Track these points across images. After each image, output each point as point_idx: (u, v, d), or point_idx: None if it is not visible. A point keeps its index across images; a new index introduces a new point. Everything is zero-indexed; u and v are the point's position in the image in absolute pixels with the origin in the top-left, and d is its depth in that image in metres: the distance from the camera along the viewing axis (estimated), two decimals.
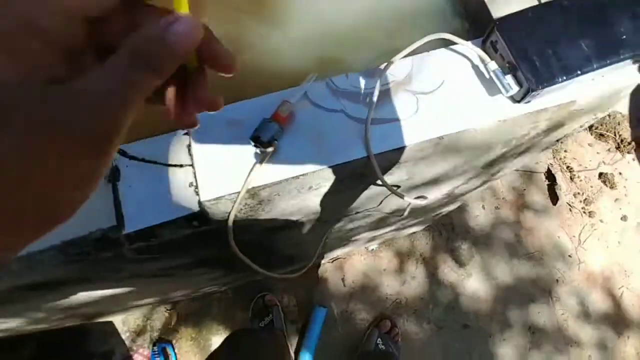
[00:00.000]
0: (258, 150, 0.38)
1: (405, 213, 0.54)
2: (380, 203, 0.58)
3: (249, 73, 0.46)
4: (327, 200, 0.47)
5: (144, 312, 1.48)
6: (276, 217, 0.49)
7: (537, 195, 1.56)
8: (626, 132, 1.59)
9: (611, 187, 1.54)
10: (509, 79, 0.39)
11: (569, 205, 1.55)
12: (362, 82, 0.42)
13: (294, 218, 0.52)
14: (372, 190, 0.49)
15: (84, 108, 0.15)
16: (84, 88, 0.15)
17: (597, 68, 0.38)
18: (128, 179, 0.44)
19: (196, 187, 0.42)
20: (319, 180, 0.41)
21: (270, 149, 0.37)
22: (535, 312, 1.45)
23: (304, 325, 1.44)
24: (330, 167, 0.39)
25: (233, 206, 0.39)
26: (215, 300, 1.49)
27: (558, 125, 0.46)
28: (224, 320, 1.48)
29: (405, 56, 0.40)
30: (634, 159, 1.58)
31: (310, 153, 0.39)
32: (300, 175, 0.39)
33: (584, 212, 1.53)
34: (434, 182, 0.54)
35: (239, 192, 0.37)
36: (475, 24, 0.48)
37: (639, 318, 1.45)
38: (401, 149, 0.40)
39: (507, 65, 0.39)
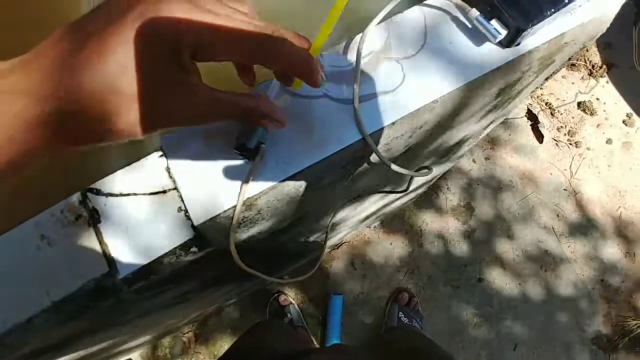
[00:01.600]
0: (243, 161, 0.35)
1: (411, 187, 0.51)
2: (383, 179, 0.56)
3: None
4: (331, 189, 0.44)
5: (160, 341, 1.45)
6: (280, 220, 0.46)
7: (523, 138, 1.57)
8: (596, 58, 1.60)
9: (591, 114, 1.56)
10: (494, 23, 0.36)
11: (555, 140, 1.56)
12: (339, 59, 0.38)
13: (299, 216, 0.49)
14: (374, 168, 0.47)
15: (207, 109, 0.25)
16: (209, 95, 0.25)
17: None
18: (109, 218, 0.40)
19: (186, 211, 0.38)
20: (317, 173, 0.37)
21: (258, 157, 0.33)
22: (544, 252, 1.47)
23: (324, 316, 1.43)
24: (326, 157, 0.36)
25: (231, 224, 0.35)
26: (230, 312, 1.46)
27: (549, 62, 0.44)
28: (243, 330, 1.46)
29: (379, 22, 0.37)
30: (607, 82, 1.59)
31: (301, 147, 0.36)
32: (297, 173, 0.35)
33: (571, 144, 1.55)
34: (435, 149, 0.52)
35: (234, 207, 0.34)
36: None
37: None
38: (396, 122, 0.37)
39: (488, 9, 0.36)
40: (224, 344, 1.44)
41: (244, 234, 0.45)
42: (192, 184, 0.37)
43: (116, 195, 0.40)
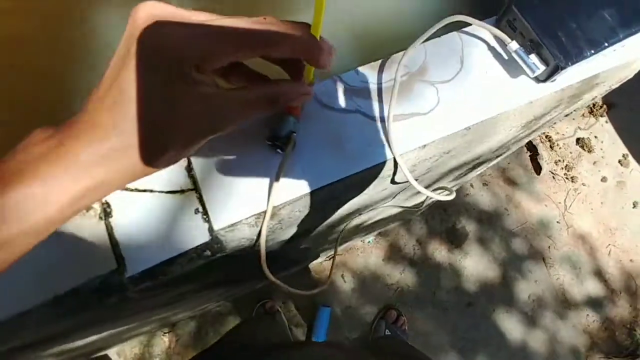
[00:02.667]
0: (269, 164, 0.34)
1: (424, 206, 0.51)
2: (394, 197, 0.55)
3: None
4: (349, 205, 0.44)
5: (140, 339, 1.41)
6: (294, 232, 0.45)
7: (521, 168, 1.59)
8: (584, 106, 1.64)
9: (589, 151, 1.59)
10: (533, 58, 0.36)
11: (552, 173, 1.58)
12: (374, 76, 0.38)
13: (312, 226, 0.48)
14: (391, 187, 0.46)
15: (232, 108, 0.25)
16: (233, 98, 0.25)
17: (623, 38, 0.35)
18: (122, 214, 0.38)
19: (204, 213, 0.37)
20: (342, 188, 0.37)
21: (290, 146, 0.32)
22: (533, 281, 1.49)
23: (310, 327, 1.41)
24: (355, 174, 0.35)
25: (260, 231, 0.34)
26: (215, 316, 1.43)
27: (576, 100, 0.44)
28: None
29: (421, 43, 0.37)
30: (606, 122, 1.63)
31: (330, 160, 0.35)
32: (325, 186, 0.35)
33: (567, 178, 1.57)
34: (449, 171, 0.52)
35: (264, 213, 0.33)
36: (476, 5, 0.44)
37: (628, 273, 1.51)
38: (427, 146, 0.36)
39: (528, 43, 0.37)
40: (204, 347, 1.41)
41: (252, 241, 0.44)
42: (215, 186, 0.36)
43: (131, 190, 0.39)
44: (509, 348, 1.42)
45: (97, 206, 0.37)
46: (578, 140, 1.61)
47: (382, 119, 0.37)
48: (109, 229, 0.38)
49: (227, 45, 0.23)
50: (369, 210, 0.53)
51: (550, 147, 1.60)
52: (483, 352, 1.42)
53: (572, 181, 1.57)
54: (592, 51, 0.35)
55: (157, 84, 0.22)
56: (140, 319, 0.70)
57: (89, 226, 0.37)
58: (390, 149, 0.36)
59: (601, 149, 1.61)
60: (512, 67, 0.38)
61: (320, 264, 1.48)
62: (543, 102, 0.39)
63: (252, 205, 0.34)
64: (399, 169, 0.38)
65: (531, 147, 1.59)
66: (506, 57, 0.39)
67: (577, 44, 0.35)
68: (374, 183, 0.39)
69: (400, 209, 0.55)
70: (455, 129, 0.36)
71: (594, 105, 1.62)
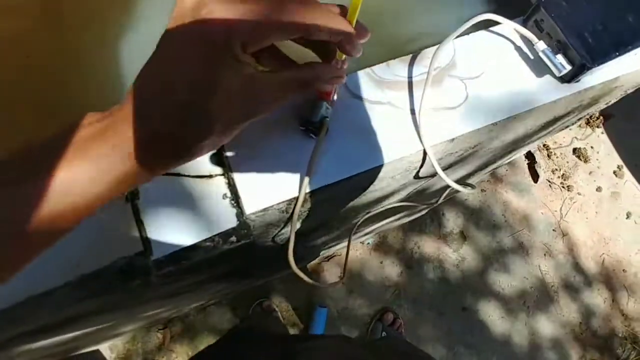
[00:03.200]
0: (302, 149, 0.34)
1: (441, 200, 0.52)
2: (410, 193, 0.56)
3: None
4: (369, 196, 0.44)
5: (133, 334, 1.39)
6: (316, 221, 0.45)
7: (519, 175, 1.62)
8: (598, 110, 1.68)
9: (585, 161, 1.62)
10: (559, 58, 0.37)
11: (549, 181, 1.61)
12: (405, 69, 0.39)
13: (329, 220, 0.49)
14: (412, 181, 0.47)
15: (269, 91, 0.26)
16: (269, 82, 0.26)
17: None
18: (149, 197, 0.38)
19: (232, 198, 0.37)
20: (371, 178, 0.37)
21: (323, 132, 0.33)
22: (528, 287, 1.50)
23: (306, 327, 1.41)
24: (386, 163, 0.36)
25: (292, 217, 0.35)
26: (210, 313, 1.42)
27: (594, 102, 0.46)
28: (221, 333, 1.41)
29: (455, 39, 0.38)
30: (602, 133, 1.67)
31: (362, 150, 0.36)
32: (356, 175, 0.35)
33: (563, 187, 1.60)
34: (467, 169, 0.53)
35: (295, 199, 0.33)
36: (505, 5, 0.46)
37: (620, 282, 1.54)
38: (456, 139, 0.37)
39: (555, 44, 0.38)
40: (199, 345, 1.39)
41: (274, 231, 0.44)
42: (246, 171, 0.36)
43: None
44: (502, 353, 1.44)
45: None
46: (575, 150, 1.64)
47: (413, 112, 0.37)
48: (136, 211, 0.38)
49: (273, 26, 0.24)
50: (386, 205, 0.54)
51: (548, 155, 1.63)
52: (477, 357, 1.43)
53: (568, 190, 1.60)
54: (617, 53, 0.36)
55: (202, 64, 0.22)
56: (148, 309, 0.70)
57: (116, 207, 0.37)
58: (421, 141, 0.36)
59: (597, 160, 1.64)
60: (537, 66, 0.39)
61: (318, 264, 1.48)
62: (566, 101, 0.40)
63: (284, 190, 0.35)
64: (427, 160, 0.38)
65: (529, 155, 1.62)
66: (532, 57, 0.40)
67: (602, 45, 0.36)
68: (400, 175, 0.40)
69: (415, 204, 0.56)
70: (482, 123, 0.37)
71: (590, 116, 1.66)
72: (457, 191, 0.49)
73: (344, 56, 0.29)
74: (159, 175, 0.27)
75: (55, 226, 0.24)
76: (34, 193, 0.21)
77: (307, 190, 0.34)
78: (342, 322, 1.43)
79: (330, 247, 1.11)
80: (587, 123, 1.66)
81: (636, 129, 1.67)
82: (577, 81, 0.39)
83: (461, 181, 0.51)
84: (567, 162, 1.63)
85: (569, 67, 0.37)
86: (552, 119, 0.44)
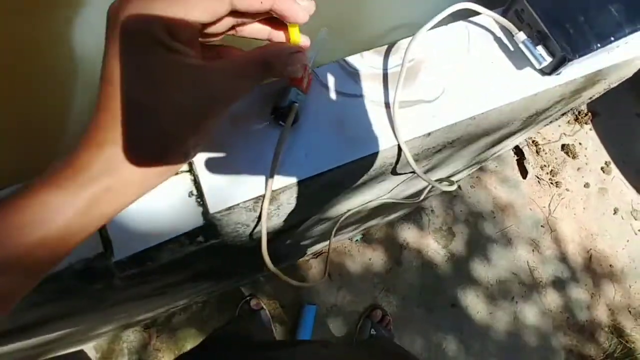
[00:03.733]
0: (279, 123, 0.32)
1: (421, 197, 0.50)
2: (391, 190, 0.54)
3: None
4: (347, 193, 0.43)
5: (117, 334, 1.36)
6: (288, 220, 0.44)
7: (508, 171, 1.61)
8: (583, 104, 1.68)
9: (573, 157, 1.62)
10: (540, 49, 0.36)
11: (537, 177, 1.61)
12: (380, 61, 0.37)
13: (305, 217, 0.47)
14: (391, 177, 0.45)
15: (223, 79, 0.23)
16: (221, 72, 0.24)
17: (629, 33, 0.35)
18: None
19: (198, 196, 0.35)
20: (343, 174, 0.36)
21: (291, 117, 0.31)
22: (516, 283, 1.51)
23: (294, 325, 1.40)
24: (357, 159, 0.34)
25: (260, 215, 0.33)
26: (197, 312, 1.40)
27: (577, 97, 0.44)
28: (208, 332, 1.39)
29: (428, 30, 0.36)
30: (591, 129, 1.67)
31: (332, 145, 0.34)
32: (326, 171, 0.34)
33: (552, 183, 1.61)
34: (445, 163, 0.51)
35: (262, 196, 0.32)
36: None
37: (607, 277, 1.55)
38: (432, 134, 0.36)
39: (535, 34, 0.36)
40: (186, 344, 1.37)
41: (247, 230, 0.43)
42: (211, 168, 0.34)
43: None
44: (490, 350, 1.44)
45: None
46: (563, 146, 1.64)
47: (387, 105, 0.36)
48: None
49: (189, 3, 0.22)
50: (366, 202, 0.53)
51: (537, 152, 1.63)
52: (465, 354, 1.43)
53: (556, 186, 1.61)
54: (599, 44, 0.35)
55: (135, 62, 0.21)
56: (121, 310, 0.68)
57: None
58: (395, 136, 0.35)
59: (585, 156, 1.65)
60: (517, 58, 0.38)
61: (306, 261, 1.46)
62: (547, 95, 0.39)
63: (251, 187, 0.33)
64: (402, 156, 0.37)
65: (518, 151, 1.62)
66: (512, 49, 0.38)
67: (584, 36, 0.35)
68: (375, 171, 0.39)
69: (397, 201, 0.54)
70: (460, 117, 0.36)
71: (579, 112, 1.66)
72: (438, 188, 0.48)
73: (298, 36, 0.27)
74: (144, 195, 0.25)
75: (40, 254, 0.22)
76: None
77: (275, 187, 0.33)
78: (330, 319, 1.42)
79: (317, 244, 1.10)
80: (576, 119, 1.67)
81: (624, 126, 1.67)
82: (557, 74, 0.37)
83: (445, 179, 0.49)
84: (556, 158, 1.64)
85: (549, 59, 0.36)
86: (534, 113, 0.43)
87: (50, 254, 0.22)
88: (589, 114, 1.66)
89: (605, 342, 1.49)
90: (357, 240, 1.49)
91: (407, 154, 0.34)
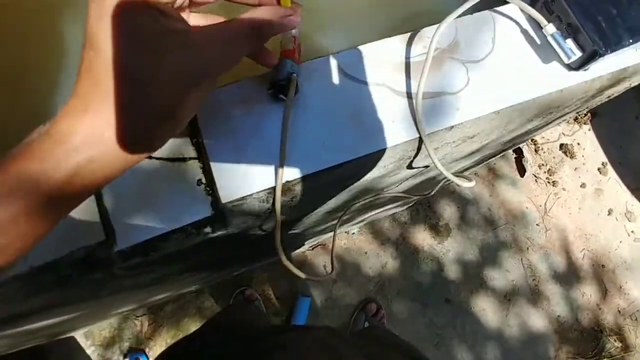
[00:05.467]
0: (279, 97, 0.31)
1: (433, 192, 0.49)
2: (401, 184, 0.53)
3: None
4: (359, 185, 0.41)
5: (110, 321, 1.34)
6: (297, 213, 0.42)
7: (506, 169, 1.61)
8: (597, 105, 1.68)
9: (571, 157, 1.63)
10: (569, 43, 0.34)
11: (535, 176, 1.61)
12: (402, 49, 0.35)
13: (316, 208, 0.45)
14: (404, 171, 0.44)
15: (210, 45, 0.22)
16: (209, 36, 0.23)
17: None
18: (114, 181, 0.34)
19: (208, 185, 0.34)
20: (364, 167, 0.34)
21: (292, 88, 0.30)
22: (510, 280, 1.52)
23: (288, 316, 1.39)
24: (377, 151, 0.33)
25: (274, 209, 0.31)
26: (191, 301, 1.38)
27: (598, 94, 0.43)
28: (202, 321, 1.38)
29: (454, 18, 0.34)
30: (589, 130, 1.67)
31: (352, 136, 0.32)
32: (344, 162, 0.32)
33: (548, 182, 1.61)
34: (460, 158, 0.50)
35: (273, 188, 0.30)
36: None
37: (599, 277, 1.57)
38: (455, 127, 0.34)
39: (565, 27, 0.35)
40: (179, 332, 1.36)
41: (257, 222, 0.41)
42: (223, 154, 0.32)
43: None
44: (484, 345, 1.45)
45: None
46: (561, 145, 1.65)
47: (409, 95, 0.34)
48: (98, 196, 0.34)
49: None
50: (375, 194, 0.51)
51: (535, 150, 1.63)
52: (457, 349, 1.44)
53: (553, 185, 1.61)
54: (631, 40, 0.34)
55: (123, 26, 0.20)
56: (118, 299, 0.66)
57: None
58: (417, 128, 0.33)
59: (582, 156, 1.65)
60: (544, 51, 0.36)
61: (302, 252, 1.45)
62: (572, 91, 0.37)
63: (266, 177, 0.31)
64: (422, 150, 0.35)
65: (517, 150, 1.62)
66: (539, 42, 0.37)
67: (616, 31, 0.33)
68: (393, 164, 0.37)
69: (405, 195, 0.53)
70: (484, 111, 0.34)
71: (578, 112, 1.66)
72: (449, 184, 0.46)
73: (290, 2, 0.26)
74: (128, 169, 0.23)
75: (19, 226, 0.21)
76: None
77: (290, 178, 0.31)
78: (325, 311, 1.41)
79: (316, 236, 1.09)
80: (575, 119, 1.67)
81: (623, 128, 1.68)
82: (585, 69, 0.36)
83: (459, 174, 0.48)
84: (554, 157, 1.64)
85: (579, 54, 0.34)
86: (556, 109, 0.42)
87: (32, 227, 0.21)
88: (589, 114, 1.66)
89: (594, 341, 1.52)
90: (354, 233, 1.48)
91: (429, 147, 0.33)
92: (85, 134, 0.20)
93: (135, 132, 0.21)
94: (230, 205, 0.32)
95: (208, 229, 0.35)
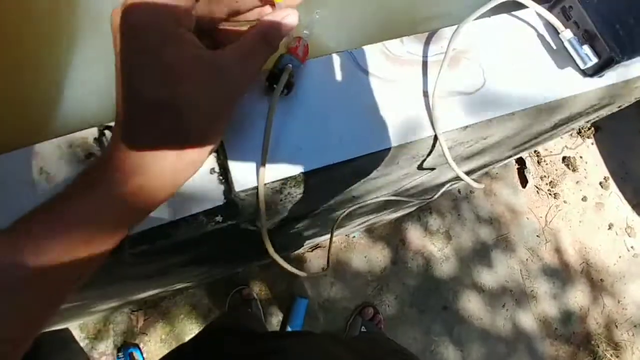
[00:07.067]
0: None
1: (437, 195, 0.49)
2: (407, 185, 0.53)
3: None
4: (367, 184, 0.41)
5: (104, 314, 1.34)
6: (307, 208, 0.42)
7: (509, 179, 1.62)
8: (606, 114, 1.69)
9: (573, 170, 1.63)
10: (586, 49, 0.35)
11: (537, 187, 1.62)
12: (420, 48, 0.35)
13: (322, 207, 0.45)
14: (414, 170, 0.44)
15: (234, 64, 0.23)
16: (230, 57, 0.23)
17: None
18: None
19: (221, 173, 0.34)
20: (377, 163, 0.34)
21: (284, 75, 0.30)
22: (508, 290, 1.52)
23: (285, 317, 1.39)
24: (391, 147, 0.33)
25: (258, 200, 0.31)
26: (187, 297, 1.38)
27: (609, 103, 0.43)
28: (197, 318, 1.38)
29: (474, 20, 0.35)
30: (592, 143, 1.68)
31: (368, 130, 0.33)
32: (358, 157, 0.32)
33: (550, 194, 1.61)
34: (469, 159, 0.50)
35: (291, 177, 0.30)
36: None
37: (598, 290, 1.57)
38: (469, 127, 0.34)
39: (582, 33, 0.35)
40: (174, 328, 1.35)
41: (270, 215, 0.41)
42: (238, 143, 0.32)
43: None
44: (480, 353, 1.45)
45: (98, 153, 0.33)
46: (564, 158, 1.65)
47: (425, 94, 0.34)
48: None
49: None
50: (380, 195, 0.51)
51: (538, 162, 1.64)
52: (454, 357, 1.43)
53: (554, 197, 1.61)
54: None
55: (150, 59, 0.21)
56: (119, 289, 0.65)
57: None
58: (432, 126, 0.33)
59: (585, 170, 1.66)
60: (560, 56, 0.37)
61: (302, 254, 1.45)
62: (586, 97, 0.38)
63: (281, 167, 0.31)
64: (436, 148, 0.35)
65: (520, 160, 1.62)
66: (554, 46, 0.37)
67: (633, 38, 0.34)
68: (405, 161, 0.37)
69: (410, 199, 0.53)
70: (499, 112, 0.34)
71: (582, 126, 1.67)
72: (452, 188, 0.46)
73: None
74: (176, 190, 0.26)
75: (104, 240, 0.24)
76: None
77: (303, 170, 0.31)
78: (322, 314, 1.41)
79: (315, 237, 1.08)
80: (579, 133, 1.67)
81: (626, 143, 1.69)
82: (600, 76, 0.36)
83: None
84: (556, 169, 1.64)
85: (595, 60, 0.35)
86: (567, 116, 0.42)
87: (88, 256, 0.22)
88: (592, 128, 1.67)
89: (591, 355, 1.51)
90: (354, 236, 1.48)
91: (444, 145, 0.33)
92: (132, 164, 0.22)
93: (175, 161, 0.23)
94: (243, 194, 0.32)
95: (219, 218, 0.35)
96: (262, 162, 0.30)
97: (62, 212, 0.21)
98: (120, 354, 1.31)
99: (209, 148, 0.24)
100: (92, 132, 0.33)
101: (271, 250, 0.35)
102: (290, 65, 0.31)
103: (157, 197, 0.24)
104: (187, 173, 0.24)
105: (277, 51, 0.28)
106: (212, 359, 0.52)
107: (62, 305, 0.24)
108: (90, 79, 0.36)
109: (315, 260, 1.44)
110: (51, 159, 0.33)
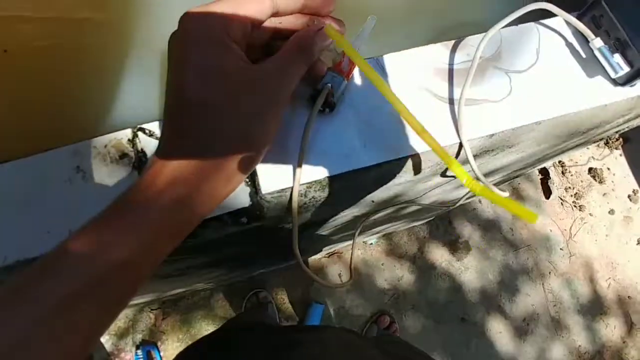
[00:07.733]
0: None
1: (458, 204, 0.49)
2: (425, 193, 0.53)
3: None
4: (389, 190, 0.41)
5: (126, 312, 1.37)
6: (328, 213, 0.42)
7: (531, 190, 1.58)
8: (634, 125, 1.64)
9: (600, 182, 1.58)
10: (617, 58, 0.34)
11: (561, 199, 1.57)
12: (446, 56, 0.36)
13: (342, 213, 0.46)
14: (437, 179, 0.44)
15: (273, 72, 0.25)
16: (270, 67, 0.25)
17: None
18: None
19: (248, 175, 0.35)
20: (401, 168, 0.34)
21: (321, 96, 0.31)
22: (529, 304, 1.47)
23: (300, 322, 1.39)
24: (420, 153, 0.33)
25: (291, 201, 0.32)
26: (205, 299, 1.40)
27: (637, 115, 0.42)
28: (215, 320, 1.39)
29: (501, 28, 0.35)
30: (621, 155, 1.62)
31: (394, 135, 0.33)
32: (383, 163, 0.32)
33: (575, 206, 1.56)
34: (494, 171, 0.50)
35: (316, 181, 0.31)
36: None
37: (624, 309, 1.51)
38: (495, 135, 0.34)
39: (613, 42, 0.35)
40: (191, 329, 1.37)
41: (289, 218, 0.41)
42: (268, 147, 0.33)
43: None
44: None
45: (132, 153, 0.35)
46: (590, 169, 1.60)
47: (451, 101, 0.34)
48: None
49: (242, 4, 0.23)
50: (402, 204, 0.51)
51: (562, 173, 1.60)
52: None
53: (579, 210, 1.56)
54: None
55: (202, 67, 0.22)
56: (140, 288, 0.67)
57: (121, 174, 0.35)
58: (458, 133, 0.33)
59: (612, 182, 1.60)
60: (589, 65, 0.36)
61: (318, 259, 1.45)
62: (616, 107, 0.37)
63: (308, 171, 0.32)
64: (460, 156, 0.35)
65: (543, 170, 1.58)
66: (584, 55, 0.36)
67: None
68: (430, 168, 0.37)
69: (431, 206, 0.53)
70: (526, 121, 0.34)
71: (610, 136, 1.62)
72: (474, 197, 0.46)
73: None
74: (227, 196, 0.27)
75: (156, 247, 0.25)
76: None
77: (328, 174, 0.32)
78: (337, 320, 1.40)
79: (334, 244, 1.08)
80: (606, 144, 1.62)
81: None
82: (632, 85, 0.36)
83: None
84: (582, 181, 1.59)
85: (627, 69, 0.34)
86: (597, 126, 0.41)
87: (127, 279, 0.23)
88: (620, 139, 1.61)
89: None
90: (372, 243, 1.47)
91: (469, 152, 0.33)
92: (169, 175, 0.22)
93: (217, 172, 0.23)
94: (269, 196, 0.33)
95: (244, 219, 0.36)
96: (298, 164, 0.31)
97: (102, 238, 0.22)
98: (139, 351, 1.34)
99: (250, 161, 0.25)
100: (126, 133, 0.35)
101: (298, 254, 0.35)
102: (330, 85, 0.31)
103: (199, 210, 0.24)
104: (227, 187, 0.25)
105: (325, 66, 0.31)
106: (227, 354, 0.52)
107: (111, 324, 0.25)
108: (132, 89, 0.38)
109: (332, 266, 1.44)
110: (86, 158, 0.35)
